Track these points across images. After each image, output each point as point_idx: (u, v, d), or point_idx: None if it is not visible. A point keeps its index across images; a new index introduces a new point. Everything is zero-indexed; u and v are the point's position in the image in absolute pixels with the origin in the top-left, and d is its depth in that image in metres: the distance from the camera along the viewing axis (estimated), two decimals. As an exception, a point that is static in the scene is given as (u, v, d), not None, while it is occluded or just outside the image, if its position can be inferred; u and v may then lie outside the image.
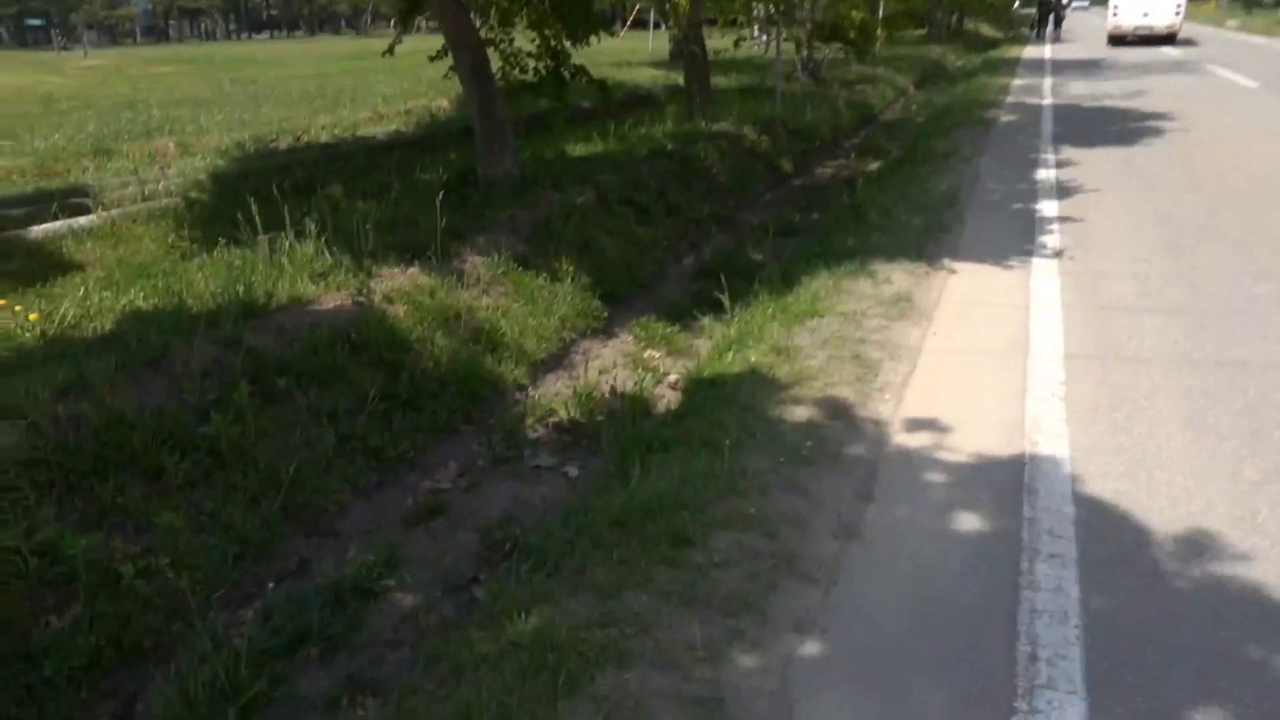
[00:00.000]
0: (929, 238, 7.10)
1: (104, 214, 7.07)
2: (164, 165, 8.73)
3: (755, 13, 15.95)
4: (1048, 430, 3.95)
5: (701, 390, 4.66)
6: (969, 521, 3.33)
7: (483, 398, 4.96)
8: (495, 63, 8.45)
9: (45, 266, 6.35)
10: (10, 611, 3.05)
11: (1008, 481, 3.58)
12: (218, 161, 8.82)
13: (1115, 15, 30.13)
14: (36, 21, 62.52)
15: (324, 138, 10.42)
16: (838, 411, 4.19)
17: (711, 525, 3.27)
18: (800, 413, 4.18)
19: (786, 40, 15.99)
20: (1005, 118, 14.37)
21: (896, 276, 6.13)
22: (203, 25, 73.58)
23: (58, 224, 6.86)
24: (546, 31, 8.22)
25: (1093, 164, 10.11)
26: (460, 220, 6.71)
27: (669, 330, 6.03)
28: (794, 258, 7.02)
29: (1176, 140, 11.39)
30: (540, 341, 5.59)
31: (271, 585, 3.53)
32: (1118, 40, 30.08)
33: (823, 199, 10.06)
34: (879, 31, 30.76)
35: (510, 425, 4.75)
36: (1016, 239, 7.06)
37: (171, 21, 70.72)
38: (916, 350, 4.93)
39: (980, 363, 4.74)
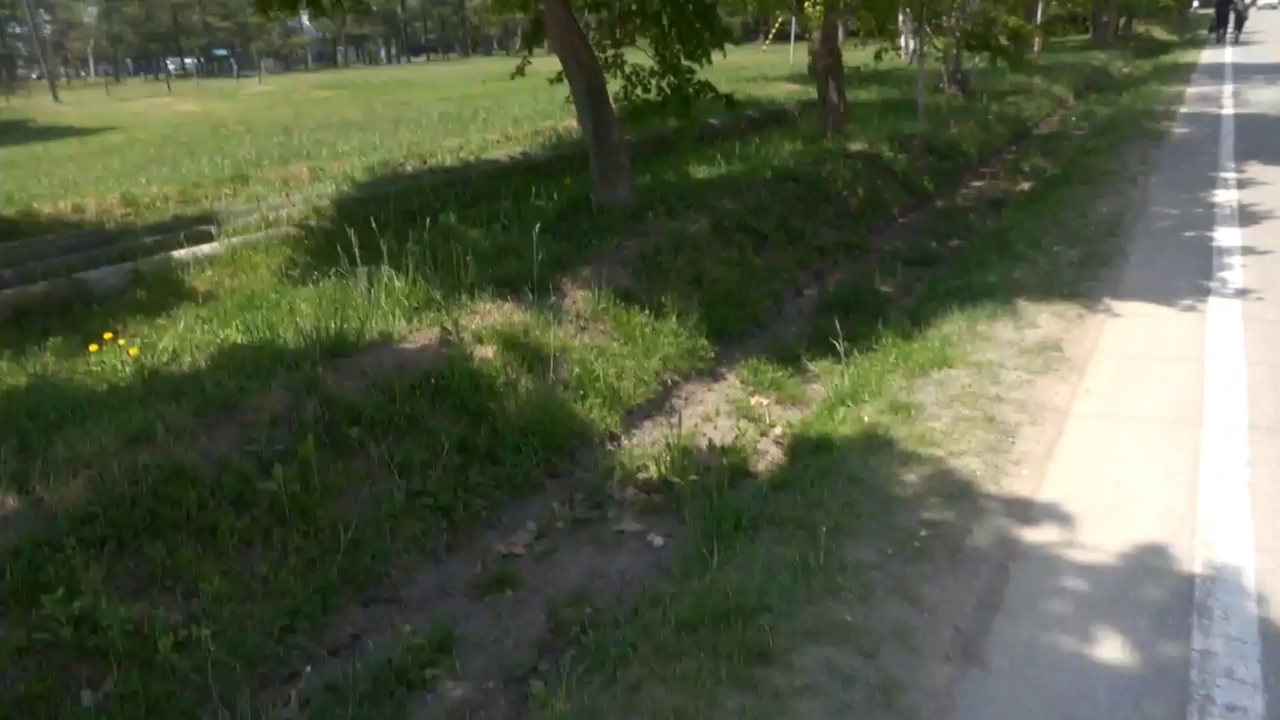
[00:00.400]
0: (1085, 272, 6.27)
1: (226, 242, 7.18)
2: (289, 192, 8.88)
3: (900, 21, 15.07)
4: (1226, 527, 3.22)
5: (805, 453, 4.12)
6: (1121, 650, 2.68)
7: (569, 448, 4.60)
8: (617, 84, 8.15)
9: (166, 295, 6.46)
10: (42, 684, 2.89)
11: (1174, 595, 2.90)
12: (343, 187, 8.90)
13: None
14: (222, 52, 67.60)
15: (449, 161, 10.41)
16: (962, 489, 3.57)
17: (797, 635, 2.76)
18: (916, 489, 3.59)
19: (931, 51, 15.05)
20: (1178, 130, 12.97)
21: (1044, 319, 5.38)
22: (367, 50, 77.73)
23: (183, 252, 6.99)
24: (664, 50, 7.84)
25: (1283, 185, 8.87)
26: (566, 250, 6.43)
27: (780, 374, 5.49)
28: (925, 294, 6.34)
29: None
30: (638, 385, 5.17)
31: (319, 661, 3.26)
32: None
33: (965, 224, 9.23)
34: (1035, 38, 28.99)
35: (596, 481, 4.35)
36: (1190, 275, 6.13)
37: (339, 48, 75.02)
38: (1064, 413, 4.21)
39: (1142, 432, 3.98)
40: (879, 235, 8.99)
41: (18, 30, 58.03)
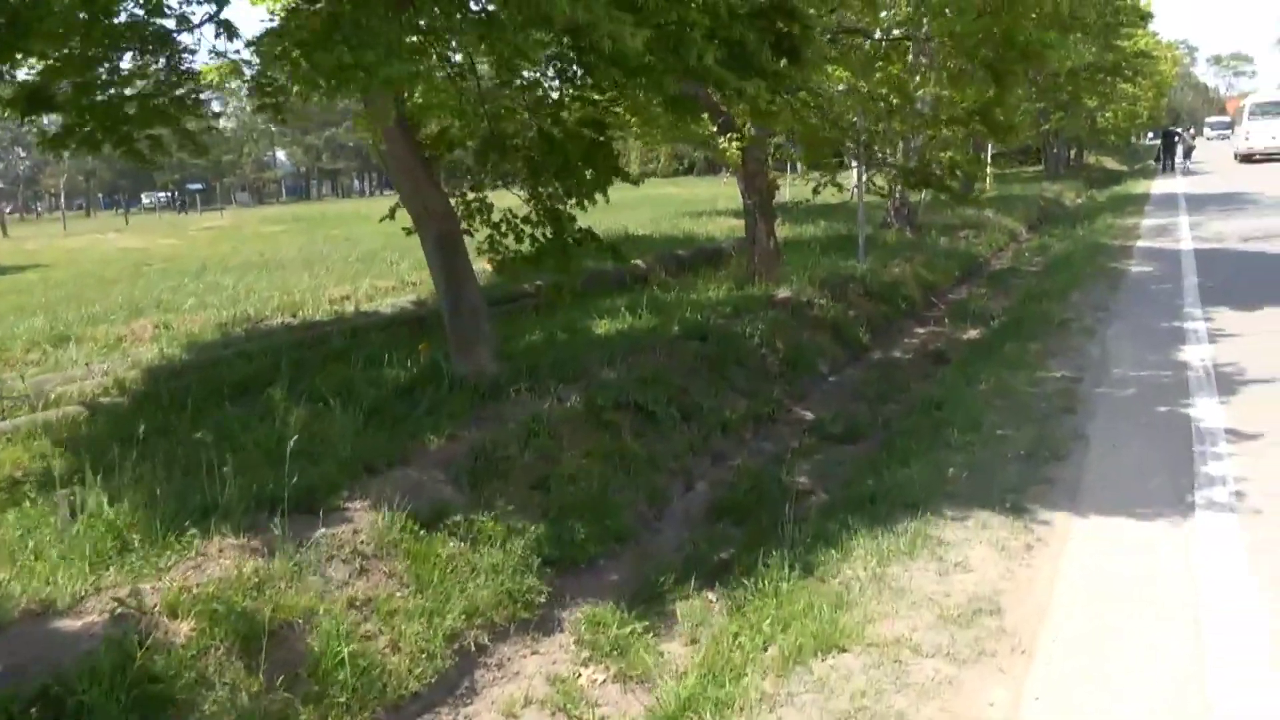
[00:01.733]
0: (1034, 471, 4.90)
1: (-21, 429, 5.71)
2: (116, 353, 7.50)
3: (845, 159, 14.28)
4: None
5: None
6: None
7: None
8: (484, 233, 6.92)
9: None
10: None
11: None
12: (173, 350, 7.53)
13: (1248, 139, 36.19)
14: (196, 186, 67.71)
15: (322, 313, 9.12)
16: None
17: None
18: None
19: (874, 187, 14.22)
20: (1136, 268, 11.99)
21: (978, 554, 3.95)
22: (340, 183, 78.33)
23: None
24: (541, 190, 6.67)
25: (1260, 335, 7.68)
26: (383, 443, 5.03)
27: (631, 628, 3.99)
28: (832, 505, 4.91)
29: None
30: (418, 660, 3.64)
31: None
32: (1246, 158, 35.22)
33: (902, 383, 7.94)
34: (987, 170, 28.86)
35: None
36: (1167, 473, 4.78)
37: (312, 181, 75.61)
38: (999, 745, 2.75)
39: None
40: (803, 401, 7.66)
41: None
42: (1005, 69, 8.37)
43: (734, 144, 9.28)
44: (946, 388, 6.94)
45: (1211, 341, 7.58)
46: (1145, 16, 21.73)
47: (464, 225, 6.58)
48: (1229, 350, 7.22)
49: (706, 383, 6.94)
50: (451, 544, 4.26)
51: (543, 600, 4.22)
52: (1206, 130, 71.50)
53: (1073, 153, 41.18)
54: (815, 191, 13.31)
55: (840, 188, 12.78)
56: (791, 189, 17.28)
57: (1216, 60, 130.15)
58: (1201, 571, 3.72)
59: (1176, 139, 40.03)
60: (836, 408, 7.38)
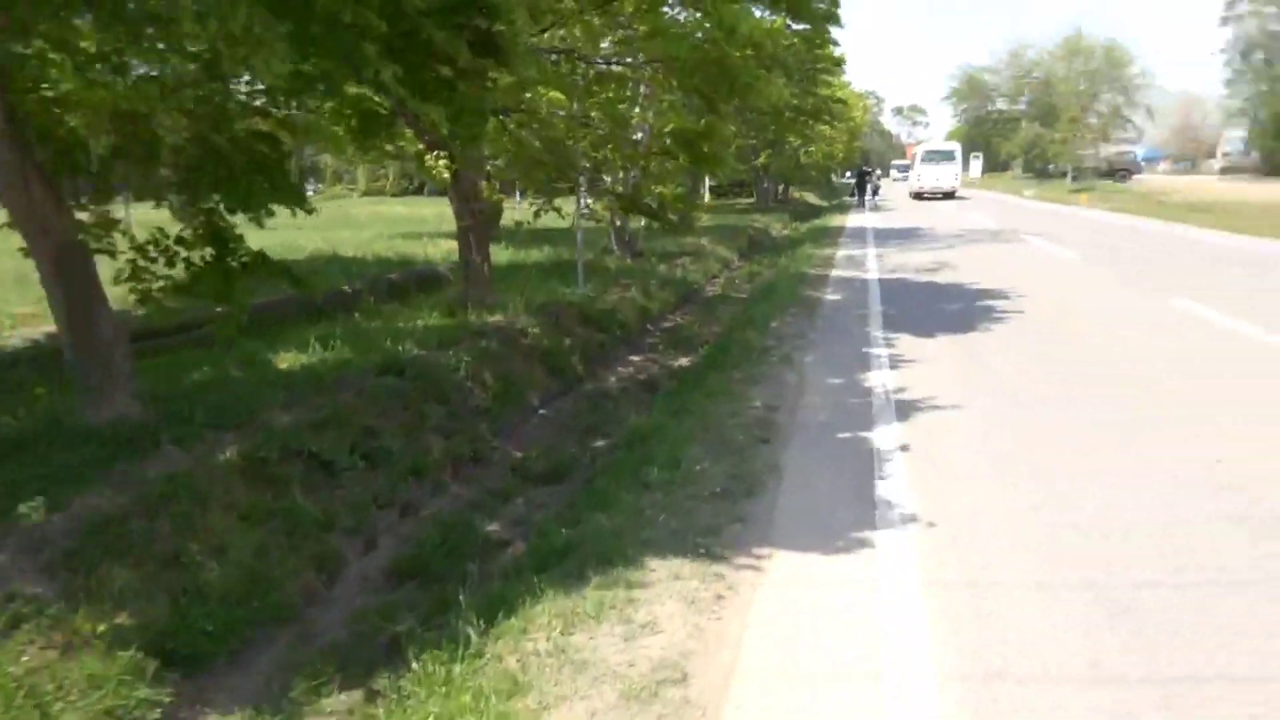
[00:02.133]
0: (729, 508, 4.76)
1: None
2: None
3: (561, 183, 14.12)
4: None
5: None
6: None
7: None
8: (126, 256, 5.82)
9: None
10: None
11: None
12: None
13: (919, 180, 44.57)
14: None
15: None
16: None
17: None
18: None
19: (596, 211, 14.23)
20: (830, 296, 12.83)
21: (667, 611, 3.67)
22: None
23: None
24: (203, 205, 5.71)
25: (933, 361, 8.32)
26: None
27: (273, 738, 3.30)
28: (518, 567, 4.46)
29: (1019, 325, 9.90)
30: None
31: None
32: (917, 196, 43.74)
33: (613, 414, 7.76)
34: (704, 199, 30.38)
35: None
36: (853, 503, 4.83)
37: None
38: None
39: None
40: (509, 436, 7.22)
41: None
42: (718, 98, 8.53)
43: (441, 164, 8.71)
44: (653, 420, 6.79)
45: (893, 367, 8.08)
46: (840, 63, 23.88)
47: (95, 244, 5.46)
48: (907, 376, 7.71)
49: (401, 423, 6.29)
50: (30, 656, 3.33)
51: (157, 717, 3.40)
52: (892, 172, 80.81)
53: (780, 187, 44.61)
54: (536, 215, 13.03)
55: (560, 213, 12.59)
56: (516, 212, 16.97)
57: (899, 110, 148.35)
58: (884, 604, 3.69)
59: (867, 178, 45.14)
60: (546, 442, 7.03)
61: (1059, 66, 73.84)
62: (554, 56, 10.17)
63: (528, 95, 10.01)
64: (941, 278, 14.38)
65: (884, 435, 6.01)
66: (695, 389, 7.67)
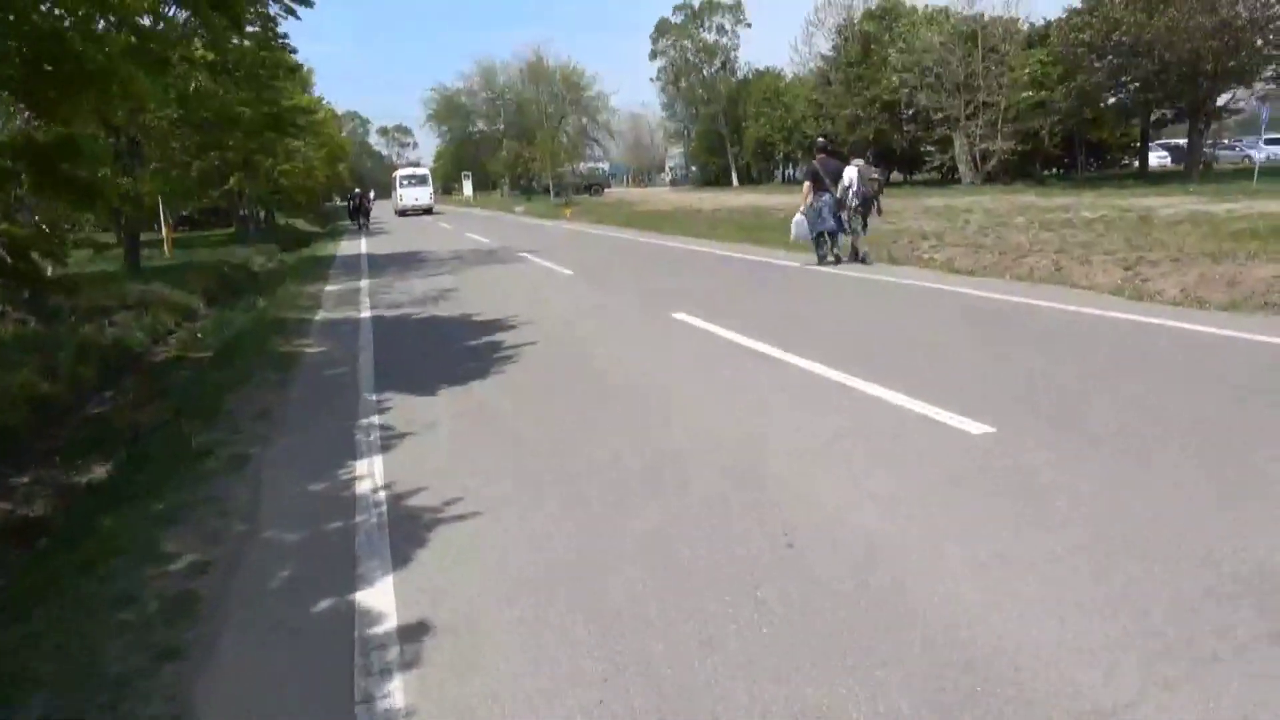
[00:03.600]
0: None
1: None
2: None
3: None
4: None
5: None
6: None
7: None
8: None
9: None
10: None
11: None
12: None
13: (401, 200, 52.79)
14: None
15: None
16: None
17: None
18: None
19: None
20: (313, 349, 10.40)
21: None
22: None
23: None
24: None
25: (439, 427, 6.47)
26: None
27: None
28: None
29: (532, 362, 8.52)
30: None
31: None
32: (402, 213, 51.18)
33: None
34: (167, 229, 25.40)
35: None
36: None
37: None
38: None
39: None
40: None
41: None
42: (58, 98, 5.59)
43: None
44: (12, 608, 3.90)
45: (385, 449, 6.05)
46: (295, 70, 21.07)
47: None
48: (406, 462, 5.74)
49: None
50: None
51: None
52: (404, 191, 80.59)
53: (264, 214, 40.04)
54: None
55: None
56: None
57: (384, 132, 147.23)
58: None
59: (363, 201, 43.12)
60: None
61: (528, 89, 78.66)
62: None
63: None
64: (444, 309, 12.75)
65: (370, 592, 3.94)
66: (84, 546, 4.82)
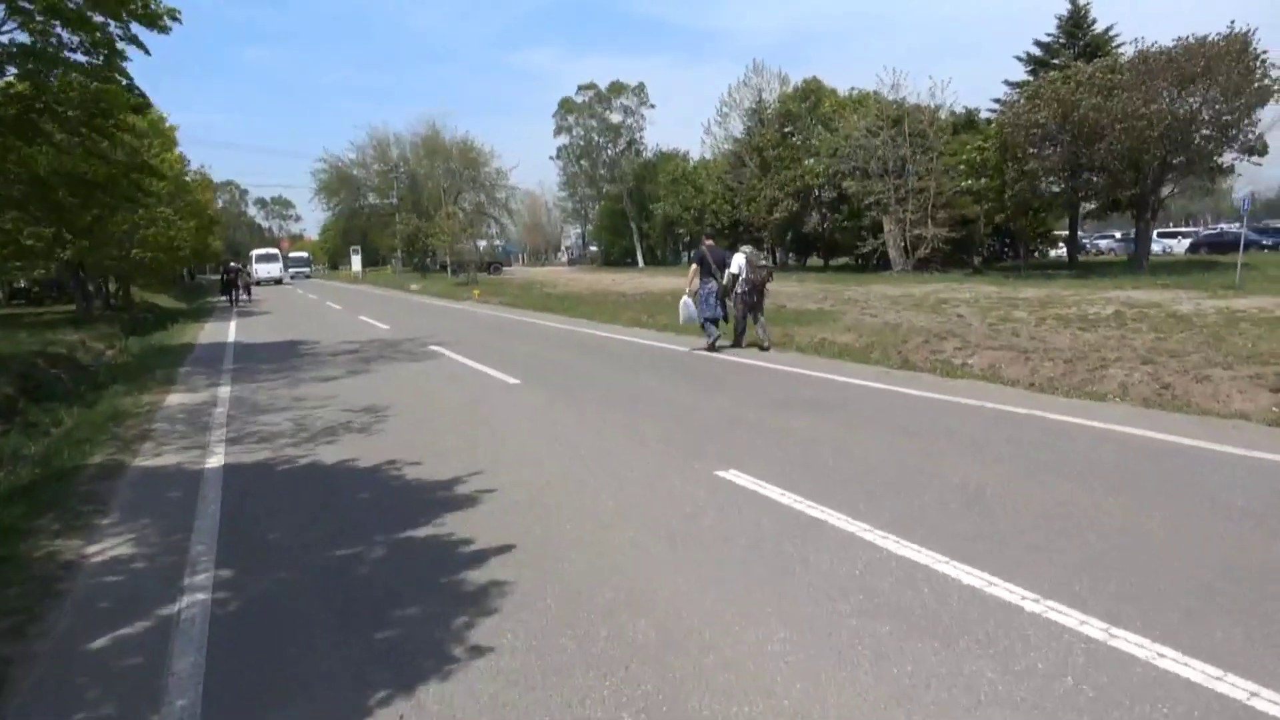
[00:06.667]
0: None
1: None
2: None
3: None
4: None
5: None
6: None
7: None
8: None
9: None
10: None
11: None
12: None
13: (256, 273, 58.72)
14: None
15: None
16: None
17: None
18: None
19: None
20: (98, 557, 5.69)
21: None
22: None
23: None
24: None
25: None
26: None
27: None
28: None
29: (519, 607, 4.19)
30: None
31: None
32: (257, 283, 54.17)
33: None
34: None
35: None
36: None
37: None
38: None
39: None
40: None
41: None
42: None
43: None
44: None
45: None
46: (141, 109, 16.26)
47: None
48: None
49: None
50: None
51: None
52: (289, 268, 79.37)
53: (115, 289, 33.95)
54: None
55: None
56: None
57: (262, 204, 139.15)
58: None
59: (237, 275, 38.53)
60: None
61: (423, 163, 74.40)
62: None
63: None
64: (341, 451, 8.19)
65: None
66: None
